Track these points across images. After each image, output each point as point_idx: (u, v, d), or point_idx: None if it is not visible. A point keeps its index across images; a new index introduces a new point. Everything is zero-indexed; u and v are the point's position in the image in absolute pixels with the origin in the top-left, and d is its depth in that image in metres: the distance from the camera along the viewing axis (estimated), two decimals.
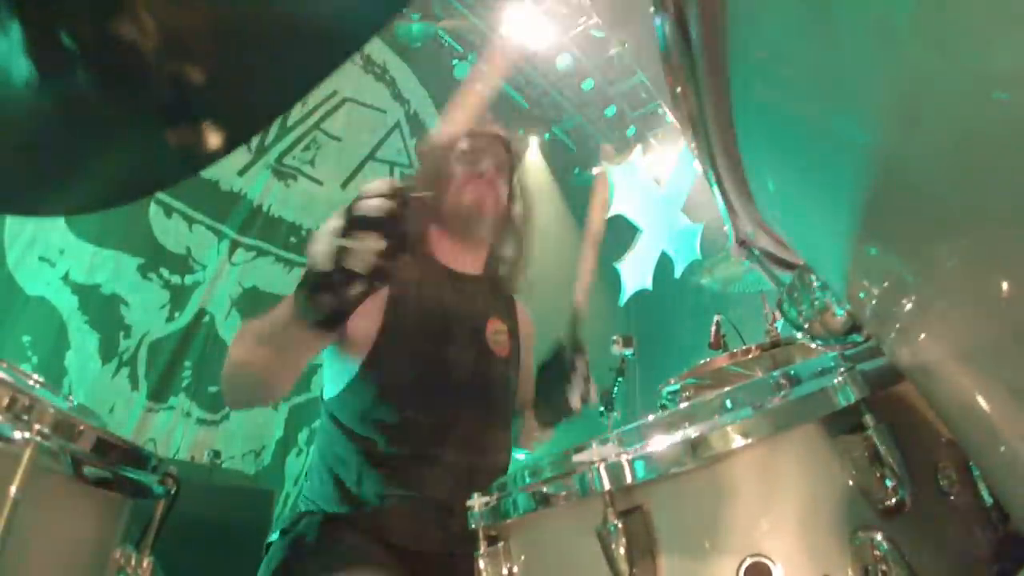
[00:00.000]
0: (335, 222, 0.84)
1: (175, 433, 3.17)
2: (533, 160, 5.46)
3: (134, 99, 0.42)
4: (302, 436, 3.61)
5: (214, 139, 0.43)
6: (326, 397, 1.29)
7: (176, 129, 0.44)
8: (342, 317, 0.90)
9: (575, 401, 1.22)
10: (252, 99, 0.45)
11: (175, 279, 3.32)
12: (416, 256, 1.33)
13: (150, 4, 0.37)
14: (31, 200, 0.50)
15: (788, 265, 0.72)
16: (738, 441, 0.55)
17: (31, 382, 0.69)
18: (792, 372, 0.62)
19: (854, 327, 0.71)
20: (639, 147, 6.02)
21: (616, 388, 2.51)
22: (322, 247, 0.84)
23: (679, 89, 0.55)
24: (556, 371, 1.24)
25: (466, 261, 1.40)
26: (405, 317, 1.24)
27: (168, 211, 3.35)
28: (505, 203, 1.42)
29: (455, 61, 4.91)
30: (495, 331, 1.36)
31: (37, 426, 0.57)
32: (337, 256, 0.83)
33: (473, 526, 0.70)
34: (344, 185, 4.18)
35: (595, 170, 5.70)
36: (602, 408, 2.58)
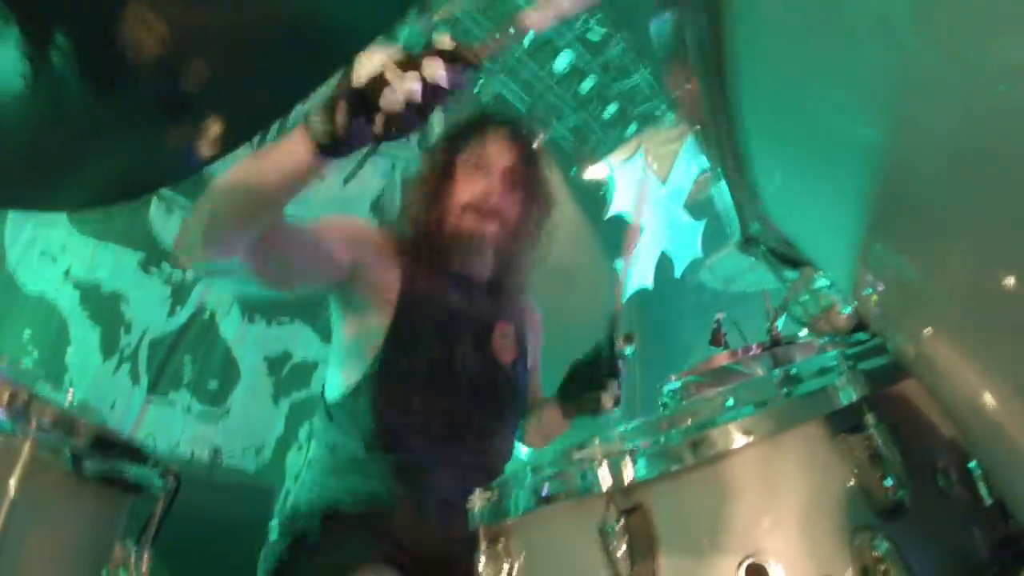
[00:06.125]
0: (396, 55, 0.80)
1: (176, 429, 3.17)
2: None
3: (133, 99, 0.42)
4: (303, 432, 3.61)
5: (216, 137, 0.43)
6: (330, 399, 1.27)
7: (178, 127, 0.44)
8: (346, 148, 0.86)
9: (607, 401, 1.24)
10: (254, 99, 0.45)
11: (176, 275, 3.33)
12: (424, 262, 1.30)
13: (155, 5, 0.37)
14: (31, 196, 0.49)
15: (794, 262, 0.72)
16: (739, 439, 0.55)
17: (31, 378, 0.69)
18: (793, 370, 0.62)
19: (859, 325, 0.71)
20: (640, 146, 6.00)
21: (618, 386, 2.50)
22: (368, 67, 0.79)
23: (684, 86, 0.55)
24: (594, 369, 1.27)
25: (474, 265, 1.36)
26: (413, 321, 1.24)
27: (170, 207, 3.34)
28: (514, 216, 1.33)
29: None
30: (502, 335, 1.35)
31: (36, 421, 0.57)
32: (374, 83, 0.79)
33: (473, 525, 0.70)
34: (346, 181, 4.16)
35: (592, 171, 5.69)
36: None
